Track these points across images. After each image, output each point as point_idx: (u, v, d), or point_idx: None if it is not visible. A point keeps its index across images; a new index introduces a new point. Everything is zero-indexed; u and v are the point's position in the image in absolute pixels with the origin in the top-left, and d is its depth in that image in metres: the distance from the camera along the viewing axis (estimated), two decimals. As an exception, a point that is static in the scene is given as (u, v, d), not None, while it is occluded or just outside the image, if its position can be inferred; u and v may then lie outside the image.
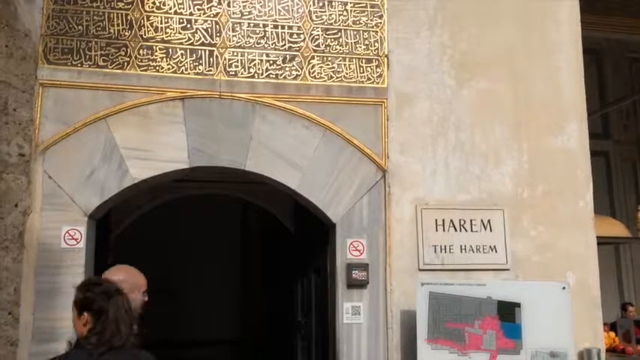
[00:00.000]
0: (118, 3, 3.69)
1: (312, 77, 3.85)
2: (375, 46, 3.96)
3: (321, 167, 3.78)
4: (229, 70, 3.76)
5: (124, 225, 5.46)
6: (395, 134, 3.90)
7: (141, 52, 3.66)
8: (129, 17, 3.69)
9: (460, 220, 3.85)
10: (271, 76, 3.80)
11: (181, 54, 3.71)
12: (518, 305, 3.46)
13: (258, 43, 3.82)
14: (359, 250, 3.74)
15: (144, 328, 2.33)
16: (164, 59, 3.68)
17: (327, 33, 3.92)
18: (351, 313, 3.66)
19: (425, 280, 3.51)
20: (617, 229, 6.01)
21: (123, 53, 3.64)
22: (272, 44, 3.83)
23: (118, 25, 3.67)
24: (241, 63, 3.78)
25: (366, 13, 3.99)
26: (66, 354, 2.13)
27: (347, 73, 3.89)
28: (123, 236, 5.42)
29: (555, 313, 3.49)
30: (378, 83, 3.93)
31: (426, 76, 4.01)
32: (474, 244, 3.84)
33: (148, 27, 3.70)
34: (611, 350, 4.97)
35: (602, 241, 4.49)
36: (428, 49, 4.05)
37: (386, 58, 3.97)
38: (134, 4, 3.71)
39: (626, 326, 5.30)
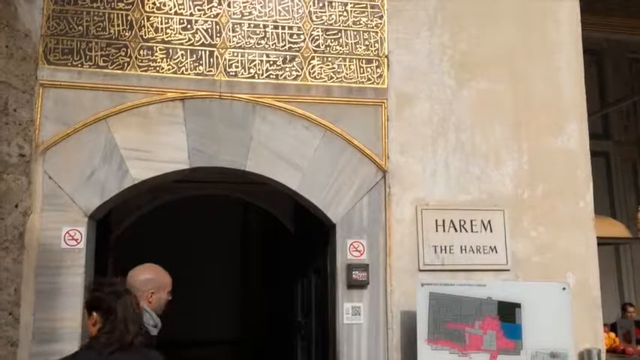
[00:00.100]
0: (119, 3, 3.69)
1: (312, 78, 3.85)
2: (375, 46, 3.96)
3: (321, 168, 3.78)
4: (229, 70, 3.76)
5: (124, 225, 5.46)
6: (395, 135, 3.90)
7: (141, 52, 3.67)
8: (129, 18, 3.69)
9: (460, 221, 3.85)
10: (271, 76, 3.80)
11: (182, 54, 3.71)
12: (518, 306, 3.46)
13: (258, 44, 3.82)
14: (359, 251, 3.74)
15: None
16: (164, 60, 3.68)
17: (328, 33, 3.92)
18: (351, 313, 3.66)
19: (425, 281, 3.51)
20: (617, 229, 6.00)
21: (123, 54, 3.64)
22: (272, 45, 3.83)
23: (118, 25, 3.67)
24: (241, 63, 3.78)
25: (366, 13, 3.99)
26: (75, 354, 2.16)
27: (347, 74, 3.89)
28: (123, 237, 5.42)
29: (555, 314, 3.49)
30: (378, 84, 3.93)
31: (426, 77, 4.01)
32: (474, 245, 3.84)
33: (148, 27, 3.70)
34: (611, 351, 4.97)
35: (602, 242, 4.49)
36: (428, 50, 4.05)
37: (386, 59, 3.97)
38: (134, 4, 3.71)
39: (626, 327, 5.31)
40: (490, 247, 3.85)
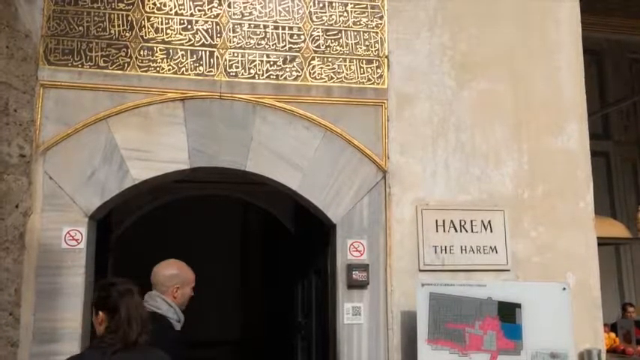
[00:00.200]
0: (119, 4, 3.69)
1: (312, 78, 3.85)
2: (375, 46, 3.97)
3: (321, 168, 3.78)
4: (230, 70, 3.76)
5: (125, 225, 5.47)
6: (395, 135, 3.90)
7: (141, 52, 3.67)
8: (129, 18, 3.70)
9: (460, 221, 3.85)
10: (272, 76, 3.80)
11: (182, 55, 3.71)
12: (518, 306, 3.46)
13: (258, 44, 3.82)
14: (359, 251, 3.74)
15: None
16: (165, 60, 3.68)
17: (328, 34, 3.92)
18: (352, 313, 3.66)
19: (425, 281, 3.52)
20: (617, 229, 6.01)
21: (123, 54, 3.64)
22: (272, 45, 3.84)
23: (118, 26, 3.67)
24: (242, 64, 3.78)
25: (367, 14, 3.99)
26: (82, 353, 2.21)
27: (347, 74, 3.89)
28: (123, 237, 5.42)
29: (556, 314, 3.49)
30: (378, 84, 3.93)
31: (426, 77, 4.02)
32: (475, 245, 3.84)
33: (148, 28, 3.71)
34: (611, 351, 4.97)
35: (602, 242, 4.49)
36: (428, 50, 4.05)
37: (386, 59, 3.97)
38: (135, 5, 3.71)
39: (626, 327, 5.31)
40: (490, 248, 3.86)
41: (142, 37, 3.69)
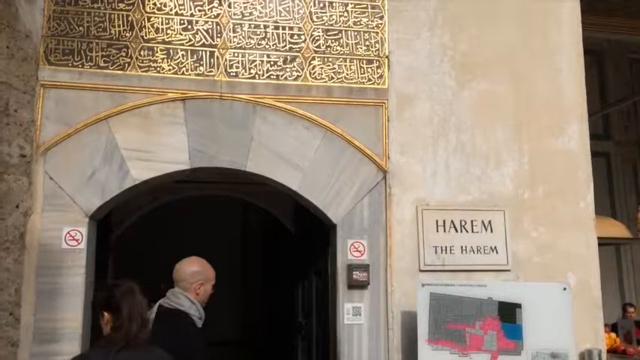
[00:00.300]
0: (119, 4, 3.69)
1: (312, 78, 3.85)
2: (375, 47, 3.97)
3: (321, 168, 3.78)
4: (230, 71, 3.76)
5: (125, 226, 5.47)
6: (395, 135, 3.90)
7: (142, 53, 3.67)
8: (130, 18, 3.70)
9: (461, 221, 3.85)
10: (272, 77, 3.80)
11: (182, 55, 3.71)
12: (519, 306, 3.46)
13: (258, 44, 3.82)
14: (360, 251, 3.74)
15: None
16: (165, 60, 3.68)
17: (328, 34, 3.92)
18: (352, 313, 3.66)
19: (425, 281, 3.51)
20: (617, 229, 6.01)
21: (124, 54, 3.64)
22: (273, 45, 3.84)
23: (118, 26, 3.67)
24: (242, 64, 3.78)
25: (367, 14, 3.99)
26: (86, 353, 2.30)
27: (348, 74, 3.89)
28: (124, 237, 5.42)
29: (556, 314, 3.49)
30: (378, 84, 3.93)
31: (426, 77, 4.02)
32: (475, 245, 3.84)
33: (148, 28, 3.71)
34: (612, 351, 4.97)
35: (602, 242, 4.49)
36: (428, 50, 4.05)
37: (386, 59, 3.97)
38: (135, 5, 3.71)
39: (627, 327, 5.31)
40: (491, 248, 3.85)
41: (142, 37, 3.69)
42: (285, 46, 3.85)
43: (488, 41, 4.14)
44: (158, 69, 3.67)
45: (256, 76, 3.78)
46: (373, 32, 3.98)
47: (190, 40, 3.74)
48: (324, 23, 3.93)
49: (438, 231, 3.82)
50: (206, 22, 3.78)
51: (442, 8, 4.11)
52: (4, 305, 3.16)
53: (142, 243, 6.30)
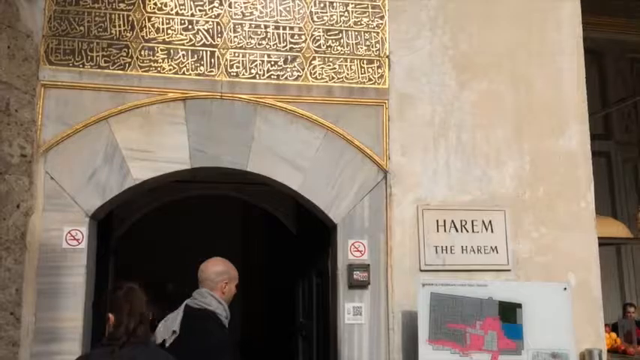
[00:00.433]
0: (120, 4, 3.69)
1: (313, 78, 3.85)
2: (376, 46, 3.97)
3: (322, 168, 3.78)
4: (231, 70, 3.76)
5: (126, 225, 5.46)
6: (396, 135, 3.90)
7: (142, 52, 3.67)
8: (130, 18, 3.70)
9: (461, 221, 3.85)
10: (272, 77, 3.80)
11: (183, 55, 3.71)
12: (519, 306, 3.46)
13: (259, 44, 3.82)
14: (360, 251, 3.74)
15: None
16: (165, 60, 3.69)
17: (329, 34, 3.92)
18: (353, 313, 3.66)
19: (426, 281, 3.51)
20: (618, 229, 6.01)
21: (124, 54, 3.65)
22: (273, 45, 3.84)
23: (119, 26, 3.67)
24: (242, 64, 3.78)
25: (368, 13, 3.99)
26: (90, 352, 2.39)
27: (348, 74, 3.89)
28: (124, 237, 5.42)
29: (557, 314, 3.49)
30: (379, 84, 3.93)
31: (427, 77, 4.02)
32: (475, 245, 3.84)
33: (149, 28, 3.71)
34: (612, 351, 4.97)
35: (603, 242, 4.49)
36: (429, 50, 4.05)
37: (387, 59, 3.97)
38: (135, 5, 3.71)
39: (627, 327, 5.31)
40: (491, 248, 3.85)
41: (142, 37, 3.69)
42: (286, 46, 3.85)
43: (489, 41, 4.14)
44: (159, 69, 3.67)
45: (257, 76, 3.78)
46: (374, 32, 3.99)
47: (191, 40, 3.74)
48: (325, 23, 3.93)
49: (438, 231, 3.82)
50: (207, 22, 3.78)
51: (442, 8, 4.11)
52: (5, 305, 3.16)
53: (142, 242, 6.30)
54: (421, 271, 3.74)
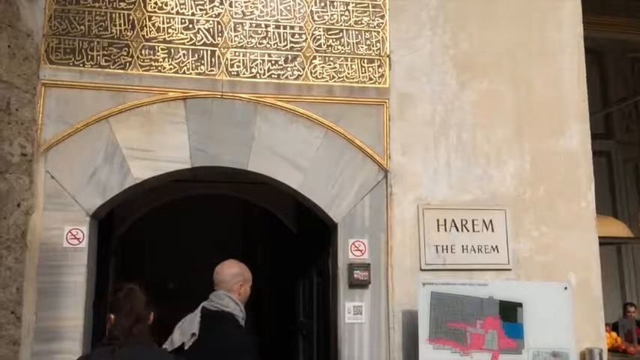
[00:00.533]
0: (120, 3, 3.69)
1: (313, 77, 3.85)
2: (376, 46, 3.97)
3: (322, 167, 3.78)
4: (231, 70, 3.76)
5: (127, 224, 5.46)
6: (397, 134, 3.90)
7: (143, 52, 3.67)
8: (131, 17, 3.70)
9: (462, 220, 3.85)
10: (273, 76, 3.80)
11: (183, 54, 3.71)
12: (520, 305, 3.46)
13: (260, 44, 3.82)
14: (360, 250, 3.74)
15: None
16: (166, 59, 3.69)
17: (329, 33, 3.92)
18: (353, 312, 3.66)
19: (426, 280, 3.51)
20: (619, 229, 6.01)
21: (125, 53, 3.65)
22: (274, 44, 3.84)
23: (120, 25, 3.67)
24: (243, 63, 3.78)
25: (368, 13, 3.99)
26: (90, 352, 2.46)
27: (349, 74, 3.89)
28: (125, 236, 5.42)
29: (557, 313, 3.49)
30: (379, 83, 3.93)
31: (427, 77, 4.01)
32: (476, 244, 3.84)
33: (150, 27, 3.71)
34: (613, 350, 4.97)
35: (604, 242, 4.49)
36: (429, 50, 4.05)
37: (388, 59, 3.97)
38: (136, 4, 3.71)
39: (627, 326, 5.31)
40: (492, 247, 3.85)
41: (143, 36, 3.69)
42: (286, 45, 3.85)
43: (490, 40, 4.14)
44: (159, 68, 3.67)
45: (257, 75, 3.78)
46: (374, 31, 3.98)
47: (191, 39, 3.74)
48: (325, 22, 3.93)
49: (439, 230, 3.82)
50: (207, 21, 3.78)
51: (443, 7, 4.11)
52: (6, 304, 3.17)
53: (143, 242, 6.30)
54: (421, 270, 3.74)
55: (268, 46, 3.83)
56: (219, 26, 3.79)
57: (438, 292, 3.45)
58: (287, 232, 5.64)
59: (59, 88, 3.54)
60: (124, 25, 3.68)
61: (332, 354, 3.80)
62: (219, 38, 3.77)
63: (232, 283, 2.79)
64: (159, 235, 7.12)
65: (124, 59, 3.64)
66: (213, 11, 3.80)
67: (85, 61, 3.59)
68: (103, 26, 3.64)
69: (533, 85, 4.14)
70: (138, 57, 3.66)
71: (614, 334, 5.29)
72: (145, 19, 3.71)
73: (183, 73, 3.69)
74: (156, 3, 3.74)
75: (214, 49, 3.76)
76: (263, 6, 3.87)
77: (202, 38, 3.75)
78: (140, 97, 3.62)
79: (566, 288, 3.56)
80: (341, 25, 3.94)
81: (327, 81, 3.86)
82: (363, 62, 3.93)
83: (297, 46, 3.86)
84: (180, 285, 7.29)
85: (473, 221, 3.87)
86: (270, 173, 3.73)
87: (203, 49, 3.74)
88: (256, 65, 3.79)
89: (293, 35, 3.87)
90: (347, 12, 3.96)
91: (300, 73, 3.83)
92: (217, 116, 3.70)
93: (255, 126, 3.73)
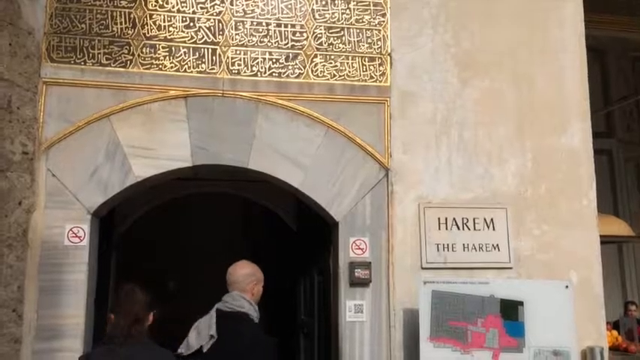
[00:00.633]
0: (121, 1, 3.69)
1: (314, 76, 3.85)
2: (378, 44, 3.96)
3: (323, 165, 3.78)
4: (232, 68, 3.76)
5: (128, 223, 5.47)
6: (398, 133, 3.89)
7: (144, 50, 3.67)
8: (132, 15, 3.70)
9: (463, 219, 3.85)
10: (274, 74, 3.80)
11: (184, 52, 3.71)
12: (521, 303, 3.46)
13: (261, 42, 3.82)
14: (361, 249, 3.74)
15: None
16: (167, 57, 3.69)
17: (330, 31, 3.92)
18: (354, 311, 3.66)
19: (427, 279, 3.51)
20: (620, 227, 6.00)
21: (126, 51, 3.65)
22: (275, 43, 3.83)
23: (121, 23, 3.67)
24: (244, 61, 3.78)
25: (369, 11, 3.99)
26: (91, 352, 2.49)
27: (350, 72, 3.89)
28: (126, 235, 5.42)
29: (558, 312, 3.49)
30: (381, 82, 3.92)
31: (429, 75, 4.01)
32: (477, 243, 3.84)
33: (150, 25, 3.71)
34: (613, 349, 4.97)
35: (605, 240, 4.48)
36: (431, 48, 4.05)
37: (389, 57, 3.97)
38: (137, 2, 3.71)
39: (628, 325, 5.31)
40: (493, 245, 3.85)
41: (144, 34, 3.69)
42: (288, 43, 3.85)
43: (491, 39, 4.13)
44: (160, 66, 3.67)
45: (258, 73, 3.78)
46: (375, 30, 3.98)
47: (192, 37, 3.74)
48: (327, 21, 3.92)
49: (440, 229, 3.82)
50: (208, 19, 3.78)
51: (444, 6, 4.11)
52: (7, 302, 3.17)
53: (144, 240, 6.30)
54: (422, 268, 3.74)
55: (269, 44, 3.83)
56: (220, 24, 3.79)
57: (439, 290, 3.45)
58: (288, 230, 5.64)
59: (60, 87, 3.54)
60: (125, 23, 3.68)
61: (333, 352, 3.80)
62: (220, 36, 3.77)
63: (245, 283, 2.80)
64: (161, 232, 7.12)
65: (125, 57, 3.64)
66: (214, 9, 3.80)
67: (86, 60, 3.59)
68: (103, 24, 3.64)
69: (534, 83, 4.13)
70: (139, 55, 3.66)
71: (615, 332, 5.29)
72: (146, 17, 3.71)
73: (185, 71, 3.69)
74: (157, 1, 3.74)
75: (215, 47, 3.76)
76: (264, 4, 3.86)
77: (203, 36, 3.75)
78: (141, 96, 3.62)
79: (567, 286, 3.56)
80: (342, 23, 3.94)
81: (328, 79, 3.85)
82: (364, 60, 3.93)
83: (298, 44, 3.86)
84: (181, 284, 7.31)
85: (474, 220, 3.86)
86: (271, 171, 3.73)
87: (204, 48, 3.74)
88: (257, 63, 3.79)
89: (294, 33, 3.87)
90: (348, 10, 3.96)
91: (301, 72, 3.83)
92: (218, 114, 3.70)
93: (256, 124, 3.73)
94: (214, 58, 3.74)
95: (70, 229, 3.42)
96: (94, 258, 3.57)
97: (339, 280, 3.72)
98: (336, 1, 3.95)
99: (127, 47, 3.65)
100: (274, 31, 3.85)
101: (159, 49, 3.69)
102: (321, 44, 3.89)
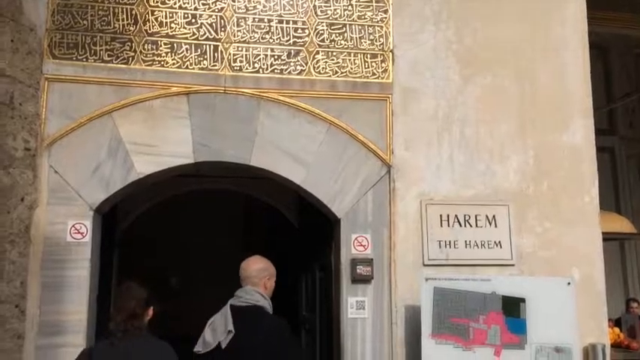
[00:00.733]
0: (123, -2, 3.69)
1: (316, 72, 3.84)
2: (380, 41, 3.96)
3: (325, 162, 3.78)
4: (234, 65, 3.76)
5: (130, 219, 5.48)
6: (400, 129, 3.89)
7: (146, 46, 3.67)
8: (134, 12, 3.69)
9: (465, 216, 3.85)
10: (276, 71, 3.80)
11: (186, 49, 3.71)
12: (523, 300, 3.46)
13: (262, 38, 3.82)
14: (363, 246, 3.74)
15: None
16: (169, 54, 3.68)
17: (332, 28, 3.91)
18: (356, 307, 3.67)
19: (429, 276, 3.52)
20: (622, 225, 5.98)
21: (128, 48, 3.64)
22: (277, 39, 3.83)
23: (122, 19, 3.67)
24: (246, 58, 3.78)
25: (371, 7, 3.98)
26: (93, 346, 2.59)
27: (352, 68, 3.89)
28: (128, 231, 5.43)
29: (560, 309, 3.49)
30: (383, 78, 3.92)
31: (431, 72, 4.00)
32: (479, 240, 3.84)
33: (152, 22, 3.70)
34: (615, 346, 4.96)
35: (607, 237, 4.47)
36: (433, 45, 4.04)
37: (391, 53, 3.96)
38: (139, -2, 3.71)
39: (630, 322, 5.30)
40: (495, 242, 3.85)
41: (146, 31, 3.68)
42: (289, 40, 3.85)
43: (493, 36, 4.12)
44: (162, 63, 3.67)
45: (260, 70, 3.78)
46: (377, 26, 3.97)
47: (194, 34, 3.74)
48: (329, 17, 3.92)
49: (442, 225, 3.82)
50: (210, 15, 3.77)
51: (447, 2, 4.10)
52: (10, 298, 3.18)
53: (146, 236, 6.32)
54: (424, 265, 3.75)
55: (271, 40, 3.82)
56: (222, 21, 3.79)
57: (441, 287, 3.45)
58: (290, 226, 5.65)
59: (62, 83, 3.54)
60: (127, 19, 3.67)
61: (335, 349, 3.81)
62: (222, 33, 3.77)
63: (259, 278, 2.82)
64: (163, 228, 7.13)
65: (126, 54, 3.64)
66: (215, 6, 3.79)
67: (88, 56, 3.59)
68: (105, 21, 3.64)
69: (536, 80, 4.13)
70: (141, 52, 3.66)
71: (616, 329, 5.28)
72: (148, 13, 3.71)
73: (186, 68, 3.69)
74: (159, -3, 3.73)
75: (217, 43, 3.75)
76: (266, 1, 3.86)
77: (205, 33, 3.75)
78: (143, 92, 3.62)
79: (569, 283, 3.56)
80: (344, 19, 3.93)
81: (330, 76, 3.85)
82: (366, 57, 3.92)
83: (300, 40, 3.86)
84: (182, 281, 7.32)
85: (476, 216, 3.86)
86: (272, 168, 3.73)
87: (206, 44, 3.74)
88: (259, 60, 3.79)
89: (296, 30, 3.87)
90: (350, 7, 3.95)
91: (303, 68, 3.83)
92: (220, 111, 3.70)
93: (258, 121, 3.73)
94: (216, 54, 3.74)
95: (73, 226, 3.42)
96: (97, 254, 3.57)
97: (340, 276, 3.72)
98: (338, -2, 3.94)
99: (129, 44, 3.65)
100: (276, 27, 3.84)
101: (161, 46, 3.69)
102: (323, 41, 3.88)
